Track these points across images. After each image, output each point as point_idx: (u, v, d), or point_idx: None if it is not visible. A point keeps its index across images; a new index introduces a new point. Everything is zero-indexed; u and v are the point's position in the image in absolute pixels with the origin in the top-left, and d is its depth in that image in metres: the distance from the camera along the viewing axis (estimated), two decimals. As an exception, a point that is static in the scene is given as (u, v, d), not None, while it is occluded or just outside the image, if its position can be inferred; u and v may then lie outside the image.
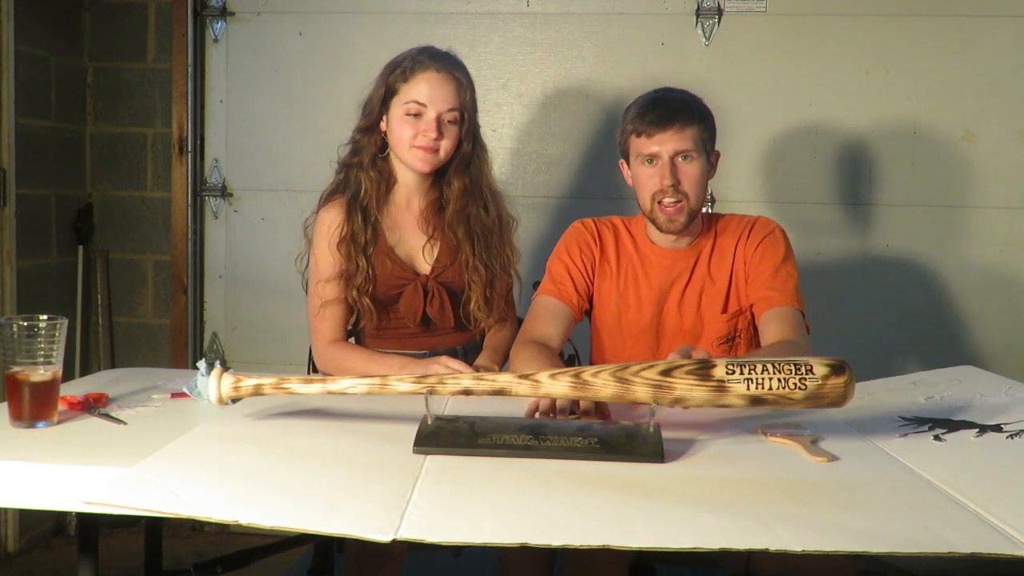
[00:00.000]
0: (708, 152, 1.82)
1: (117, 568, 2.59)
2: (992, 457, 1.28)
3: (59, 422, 1.37)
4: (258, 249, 2.99)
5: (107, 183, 3.03)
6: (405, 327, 1.95)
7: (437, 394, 1.35)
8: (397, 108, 1.87)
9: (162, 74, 2.96)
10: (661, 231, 1.83)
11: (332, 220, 1.90)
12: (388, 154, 1.93)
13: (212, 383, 1.38)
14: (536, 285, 1.96)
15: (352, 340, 2.01)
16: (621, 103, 2.71)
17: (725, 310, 1.84)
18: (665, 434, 1.30)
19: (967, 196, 2.78)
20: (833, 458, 1.26)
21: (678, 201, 1.77)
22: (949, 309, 2.80)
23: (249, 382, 1.38)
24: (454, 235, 1.91)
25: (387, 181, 1.93)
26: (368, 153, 1.92)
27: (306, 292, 1.98)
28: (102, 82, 3.00)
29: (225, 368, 1.41)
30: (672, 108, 1.78)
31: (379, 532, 0.98)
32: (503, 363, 1.93)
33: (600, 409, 1.44)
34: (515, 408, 1.46)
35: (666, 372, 1.28)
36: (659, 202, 1.79)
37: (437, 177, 1.94)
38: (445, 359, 1.75)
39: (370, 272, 1.88)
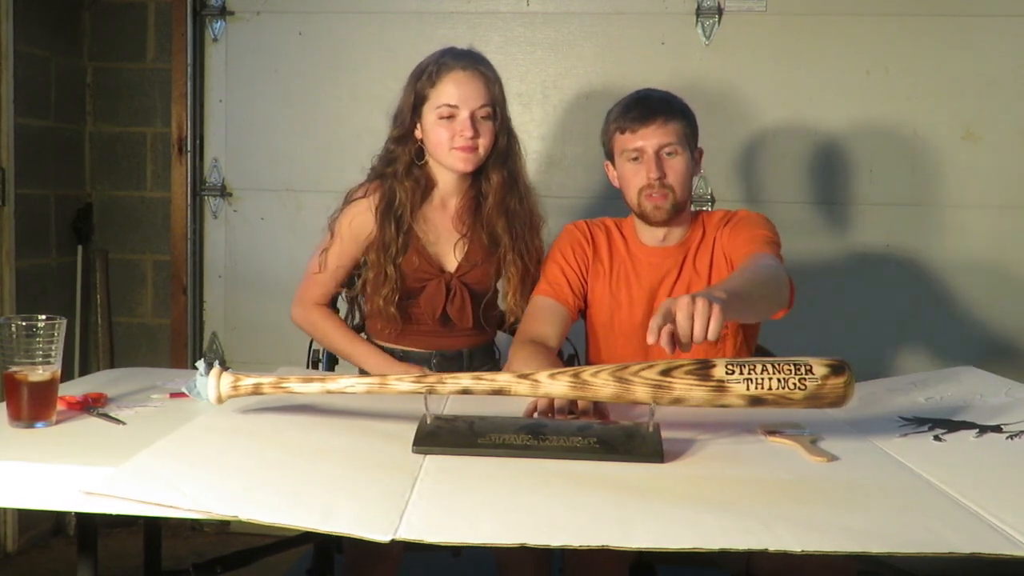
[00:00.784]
0: (692, 148, 1.85)
1: (116, 568, 2.59)
2: (992, 458, 1.28)
3: (58, 422, 1.36)
4: (258, 249, 2.99)
5: (107, 183, 3.03)
6: (423, 323, 1.95)
7: (436, 393, 1.35)
8: (430, 114, 1.87)
9: (162, 74, 2.96)
10: (649, 223, 1.85)
11: (361, 216, 1.92)
12: (426, 161, 1.93)
13: (211, 383, 1.38)
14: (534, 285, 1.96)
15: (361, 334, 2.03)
16: (621, 103, 2.73)
17: None
18: (665, 434, 1.30)
19: (967, 196, 2.78)
20: (833, 458, 1.26)
21: (664, 194, 1.80)
22: (949, 309, 2.79)
23: (248, 381, 1.38)
24: (493, 229, 1.92)
25: (424, 188, 1.93)
26: (403, 162, 1.92)
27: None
28: (102, 82, 3.00)
29: (224, 368, 1.41)
30: (654, 104, 1.82)
31: (378, 532, 0.98)
32: None
33: (598, 409, 1.44)
34: (514, 408, 1.45)
35: (666, 372, 1.28)
36: (646, 195, 1.81)
37: (475, 175, 1.94)
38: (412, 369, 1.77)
39: (397, 281, 1.89)
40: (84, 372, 2.90)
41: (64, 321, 1.36)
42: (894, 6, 2.74)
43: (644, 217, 1.85)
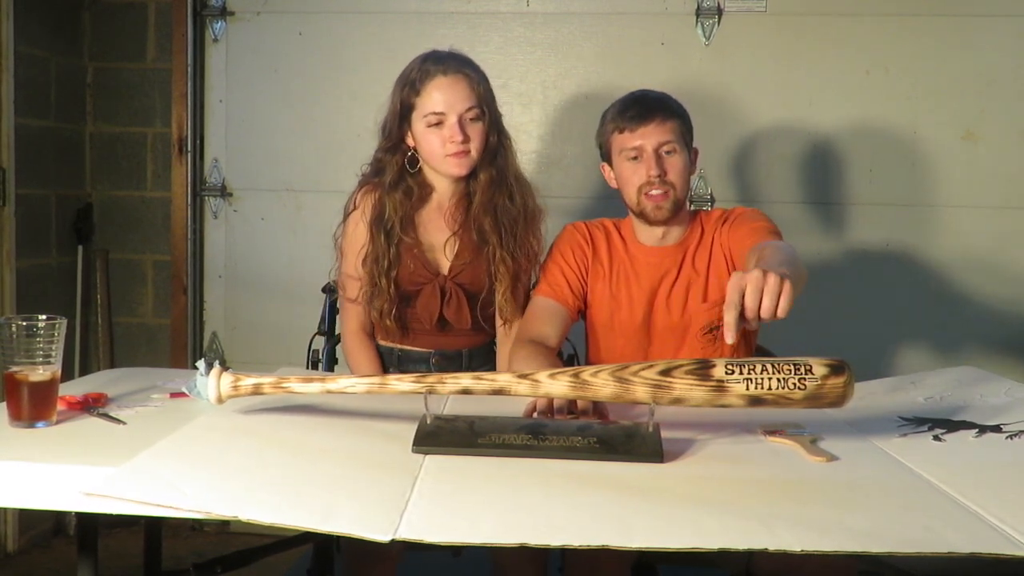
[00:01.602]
0: (688, 147, 1.86)
1: (116, 568, 2.59)
2: (992, 457, 1.28)
3: (58, 422, 1.36)
4: (258, 249, 2.99)
5: (107, 183, 3.03)
6: (422, 325, 1.95)
7: (436, 393, 1.35)
8: (418, 123, 1.87)
9: (162, 74, 2.96)
10: (649, 222, 1.85)
11: (356, 226, 1.93)
12: (420, 168, 1.93)
13: (211, 383, 1.38)
14: (535, 285, 1.96)
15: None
16: (621, 103, 2.72)
17: (706, 299, 1.86)
18: (664, 434, 1.30)
19: (967, 196, 2.78)
20: (833, 458, 1.26)
21: (664, 191, 1.81)
22: (949, 309, 2.79)
23: (248, 381, 1.38)
24: (481, 227, 1.91)
25: (418, 196, 1.93)
26: (391, 172, 1.92)
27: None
28: (102, 82, 3.00)
29: (225, 368, 1.41)
30: (651, 103, 1.84)
31: (378, 532, 0.98)
32: None
33: (598, 409, 1.44)
34: (514, 408, 1.45)
35: (665, 372, 1.28)
36: (646, 194, 1.81)
37: (468, 175, 1.93)
38: None
39: (391, 293, 1.89)
40: (84, 372, 2.90)
41: (64, 321, 1.36)
42: (894, 6, 2.74)
43: (644, 217, 1.85)
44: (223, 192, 2.99)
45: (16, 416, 1.33)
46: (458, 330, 1.96)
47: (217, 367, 1.40)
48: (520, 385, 1.33)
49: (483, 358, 2.02)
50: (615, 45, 2.83)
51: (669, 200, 1.81)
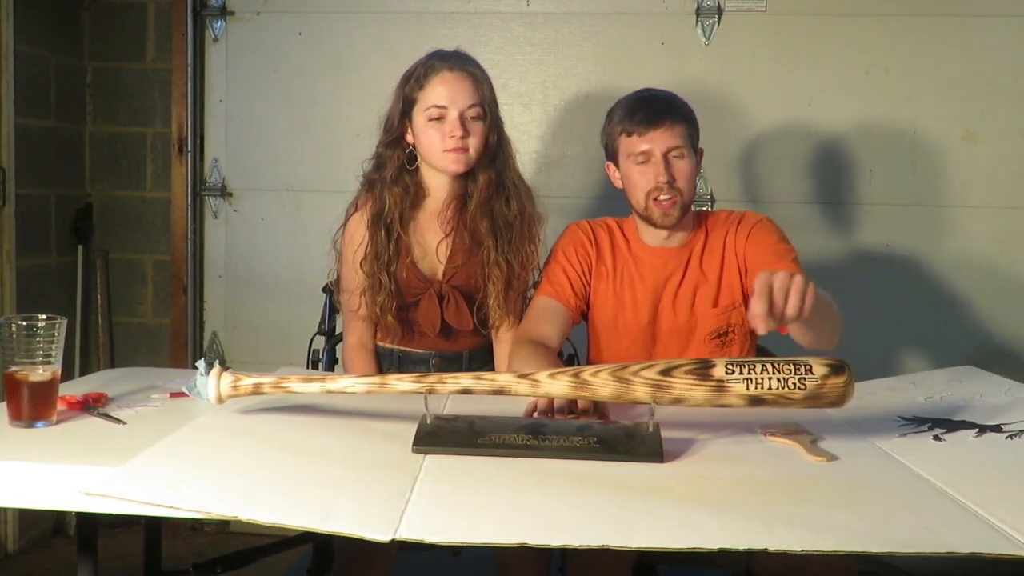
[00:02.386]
0: (695, 149, 1.85)
1: (116, 568, 2.59)
2: (992, 457, 1.28)
3: (58, 422, 1.36)
4: (258, 249, 2.99)
5: (107, 183, 3.03)
6: (423, 330, 1.95)
7: (436, 393, 1.35)
8: (419, 117, 1.86)
9: (162, 74, 2.96)
10: (656, 227, 1.84)
11: (356, 232, 1.92)
12: (417, 166, 1.93)
13: (211, 382, 1.38)
14: (535, 285, 1.96)
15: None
16: (621, 103, 2.73)
17: (716, 304, 1.85)
18: (664, 434, 1.30)
19: (967, 196, 2.78)
20: (833, 458, 1.26)
21: (671, 197, 1.79)
22: (949, 309, 2.79)
23: (248, 381, 1.38)
24: (476, 229, 1.90)
25: (415, 194, 1.92)
26: (391, 168, 1.91)
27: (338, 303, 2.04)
28: (102, 82, 3.00)
29: (225, 368, 1.41)
30: (660, 106, 1.81)
31: (378, 532, 0.98)
32: None
33: (598, 409, 1.44)
34: (514, 408, 1.46)
35: (665, 372, 1.28)
36: (655, 199, 1.80)
37: (464, 176, 1.92)
38: None
39: (392, 289, 1.89)
40: (84, 372, 2.90)
41: (64, 321, 1.36)
42: (894, 6, 2.74)
43: (651, 221, 1.84)
44: (223, 192, 2.99)
45: (16, 416, 1.33)
46: (459, 333, 1.96)
47: (217, 367, 1.40)
48: (520, 385, 1.33)
49: (483, 360, 2.01)
50: (615, 45, 2.83)
51: (677, 206, 1.80)
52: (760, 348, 2.02)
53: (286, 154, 2.95)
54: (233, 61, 2.94)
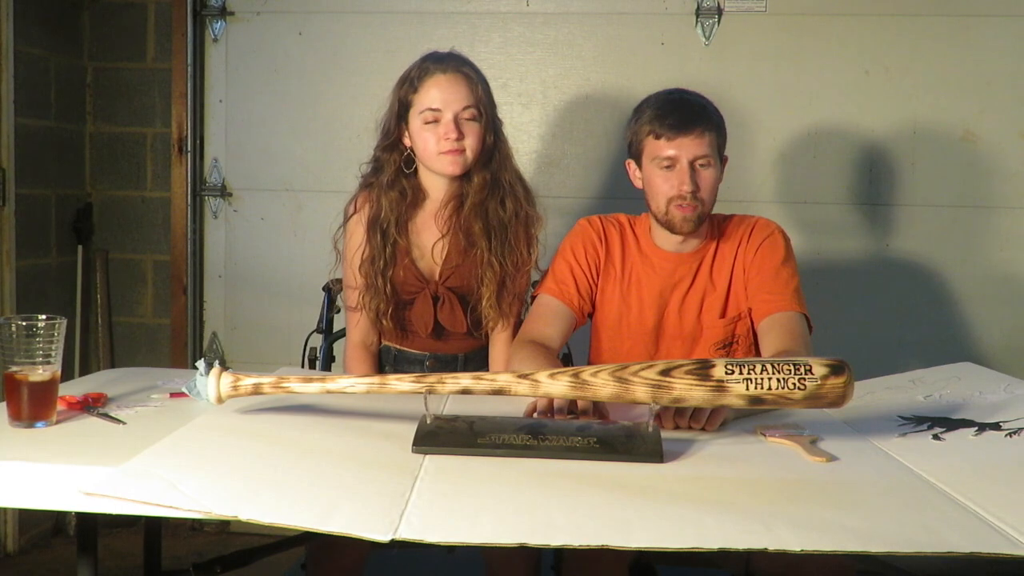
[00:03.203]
0: (721, 158, 1.81)
1: (117, 568, 2.59)
2: (991, 456, 1.28)
3: (58, 422, 1.36)
4: (258, 249, 2.99)
5: (107, 183, 3.03)
6: (418, 330, 1.95)
7: (436, 393, 1.35)
8: (415, 120, 1.87)
9: (162, 74, 2.96)
10: (674, 232, 1.81)
11: (355, 233, 1.93)
12: (415, 168, 1.93)
13: (211, 383, 1.38)
14: (535, 284, 1.95)
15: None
16: (621, 103, 2.73)
17: (723, 315, 1.84)
18: (664, 434, 1.30)
19: (967, 196, 2.78)
20: (832, 458, 1.26)
21: (694, 206, 1.76)
22: (949, 309, 2.79)
23: (248, 381, 1.38)
24: (470, 230, 1.90)
25: (413, 197, 1.92)
26: (388, 171, 1.92)
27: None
28: (102, 82, 3.00)
29: (225, 368, 1.41)
30: (693, 112, 1.76)
31: (378, 532, 0.98)
32: None
33: (598, 409, 1.44)
34: (514, 408, 1.46)
35: (665, 372, 1.28)
36: (676, 205, 1.76)
37: (463, 178, 1.93)
38: None
39: (387, 292, 1.89)
40: (84, 372, 2.90)
41: (64, 321, 1.36)
42: (894, 6, 2.74)
43: (669, 226, 1.80)
44: (223, 192, 2.99)
45: (16, 416, 1.33)
46: (454, 335, 1.96)
47: (217, 367, 1.40)
48: (520, 385, 1.33)
49: (479, 362, 2.01)
50: (615, 45, 2.83)
51: (696, 213, 1.77)
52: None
53: (286, 154, 2.95)
54: (233, 61, 2.95)
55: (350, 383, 1.36)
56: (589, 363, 1.95)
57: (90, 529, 1.47)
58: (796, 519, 1.02)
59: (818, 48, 2.77)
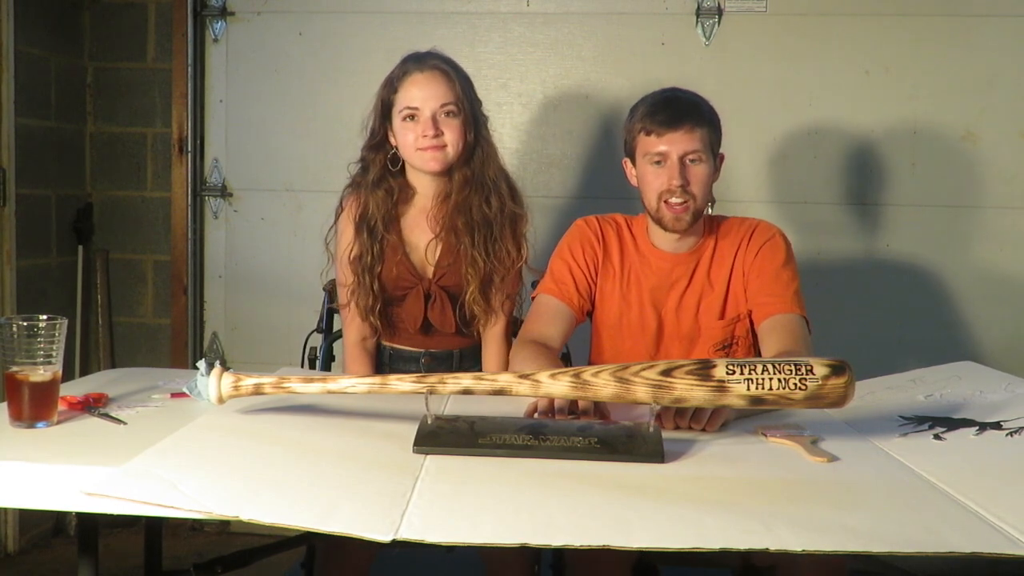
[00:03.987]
0: (715, 154, 1.81)
1: (117, 568, 2.59)
2: (992, 455, 1.28)
3: (59, 422, 1.36)
4: (258, 249, 2.99)
5: (107, 183, 3.03)
6: (408, 327, 1.96)
7: (437, 393, 1.35)
8: (396, 119, 1.90)
9: (162, 74, 2.96)
10: (666, 230, 1.82)
11: (344, 231, 1.95)
12: (402, 166, 1.95)
13: (212, 383, 1.38)
14: (535, 284, 1.96)
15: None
16: (621, 103, 2.72)
17: (723, 316, 1.84)
18: (665, 434, 1.30)
19: (967, 196, 2.78)
20: (833, 458, 1.26)
21: (684, 201, 1.76)
22: (950, 309, 2.79)
23: (249, 381, 1.38)
24: (455, 227, 1.91)
25: (400, 195, 1.94)
26: (375, 170, 1.93)
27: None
28: (102, 82, 3.00)
29: (225, 368, 1.41)
30: (683, 108, 1.78)
31: (379, 532, 0.98)
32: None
33: (599, 409, 1.44)
34: (515, 408, 1.46)
35: (666, 372, 1.28)
36: (665, 201, 1.78)
37: (448, 175, 1.94)
38: None
39: (376, 290, 1.90)
40: (85, 372, 2.90)
41: (65, 321, 1.36)
42: (894, 6, 2.74)
43: (661, 224, 1.81)
44: (223, 192, 2.99)
45: (16, 416, 1.33)
46: (444, 333, 1.97)
47: (218, 367, 1.40)
48: (521, 385, 1.33)
49: (473, 358, 2.02)
50: (615, 45, 2.83)
51: (689, 212, 1.77)
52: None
53: (286, 154, 2.95)
54: (233, 61, 2.95)
55: (351, 383, 1.36)
56: (590, 363, 1.95)
57: (90, 529, 1.47)
58: (796, 519, 1.02)
59: (818, 48, 2.77)
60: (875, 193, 2.79)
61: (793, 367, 1.26)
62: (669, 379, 1.28)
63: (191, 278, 3.00)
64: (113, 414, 1.42)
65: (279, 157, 2.95)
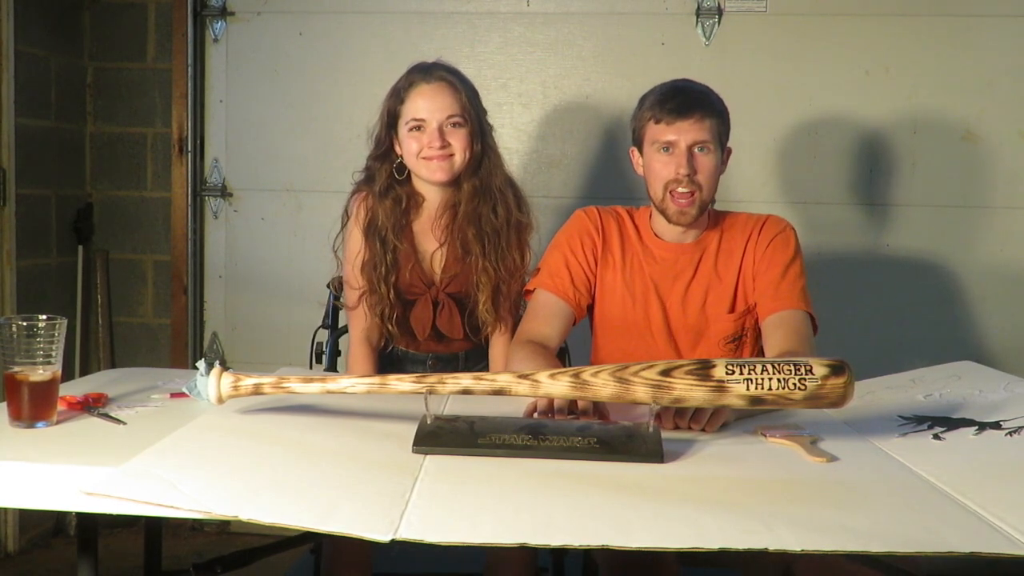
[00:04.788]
0: (722, 147, 1.81)
1: (117, 568, 2.59)
2: (991, 455, 1.28)
3: (58, 422, 1.36)
4: (258, 249, 2.99)
5: (107, 183, 3.03)
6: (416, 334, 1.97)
7: (437, 393, 1.35)
8: (402, 130, 1.91)
9: (162, 74, 2.96)
10: (671, 222, 1.81)
11: (353, 239, 1.95)
12: (408, 175, 1.96)
13: (212, 383, 1.38)
14: (529, 276, 1.95)
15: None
16: (621, 103, 2.73)
17: (733, 309, 1.83)
18: (665, 434, 1.30)
19: (967, 196, 2.78)
20: (833, 458, 1.26)
21: (691, 192, 1.75)
22: (950, 308, 2.79)
23: (249, 381, 1.38)
24: (464, 237, 1.92)
25: (407, 205, 1.95)
26: (381, 180, 1.94)
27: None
28: (102, 82, 3.00)
29: (225, 368, 1.41)
30: (693, 98, 1.77)
31: (378, 532, 0.98)
32: None
33: (598, 409, 1.44)
34: (515, 408, 1.46)
35: (666, 372, 1.28)
36: (671, 192, 1.76)
37: (455, 185, 1.95)
38: None
39: (391, 298, 1.91)
40: (84, 372, 2.90)
41: (65, 321, 1.36)
42: (894, 6, 2.74)
43: (666, 216, 1.81)
44: (223, 192, 2.99)
45: (16, 416, 1.33)
46: (452, 339, 1.98)
47: (217, 367, 1.40)
48: (520, 385, 1.33)
49: (478, 359, 2.04)
50: (615, 45, 2.83)
51: (695, 204, 1.77)
52: (762, 348, 2.00)
53: (286, 154, 2.95)
54: (233, 61, 2.95)
55: (350, 383, 1.36)
56: (592, 358, 1.95)
57: (90, 529, 1.47)
58: (796, 519, 1.02)
59: (818, 48, 2.77)
60: (875, 193, 2.79)
61: (792, 367, 1.26)
62: (668, 379, 1.28)
63: (191, 278, 3.00)
64: (113, 414, 1.42)
65: (279, 157, 2.95)
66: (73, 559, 1.54)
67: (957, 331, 2.78)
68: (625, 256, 1.87)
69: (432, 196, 1.96)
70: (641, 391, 1.29)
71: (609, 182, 2.81)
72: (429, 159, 1.87)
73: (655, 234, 1.87)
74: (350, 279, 1.97)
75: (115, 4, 2.97)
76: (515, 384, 1.33)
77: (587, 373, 1.31)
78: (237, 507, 1.03)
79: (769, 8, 2.77)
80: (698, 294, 1.84)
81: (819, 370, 1.26)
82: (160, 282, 3.04)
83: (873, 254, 2.81)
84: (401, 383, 1.35)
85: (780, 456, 1.29)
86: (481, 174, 1.93)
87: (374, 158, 1.97)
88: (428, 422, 1.32)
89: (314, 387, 1.38)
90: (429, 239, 1.96)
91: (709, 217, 1.86)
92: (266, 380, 1.38)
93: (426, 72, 1.90)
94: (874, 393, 1.65)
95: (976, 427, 1.40)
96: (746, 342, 1.85)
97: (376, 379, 1.37)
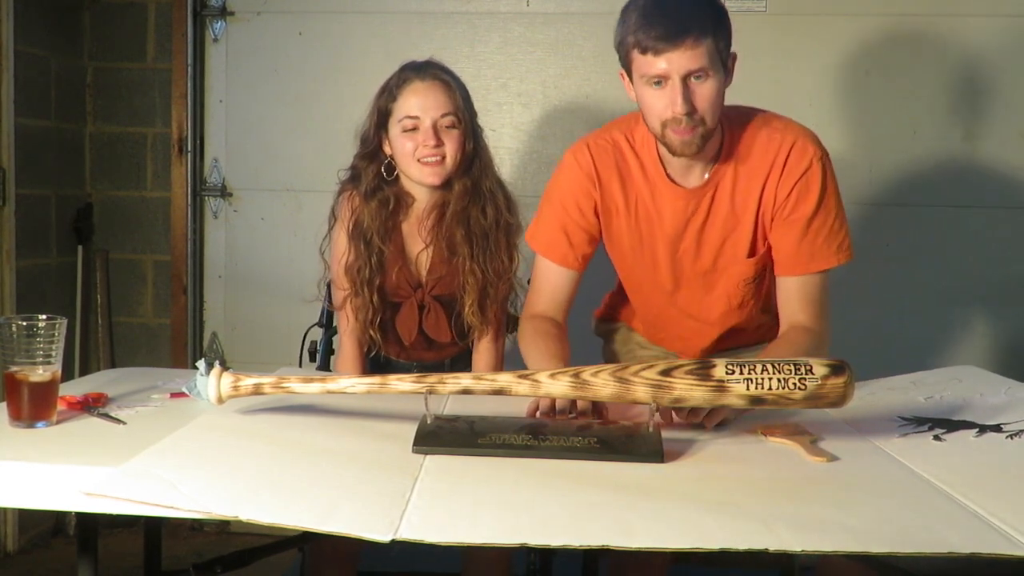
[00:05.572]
0: (724, 65, 1.57)
1: (116, 568, 2.59)
2: (992, 457, 1.28)
3: (58, 422, 1.36)
4: (258, 249, 2.99)
5: (107, 183, 3.03)
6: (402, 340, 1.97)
7: (437, 393, 1.35)
8: (394, 128, 1.88)
9: (162, 74, 2.96)
10: (675, 155, 1.60)
11: (339, 242, 1.94)
12: (397, 176, 1.94)
13: (211, 383, 1.38)
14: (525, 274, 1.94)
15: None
16: (621, 103, 2.72)
17: (753, 253, 1.69)
18: (665, 434, 1.30)
19: (968, 196, 2.78)
20: (833, 458, 1.26)
21: (693, 126, 1.54)
22: (950, 309, 2.79)
23: (248, 381, 1.38)
24: (452, 238, 1.91)
25: (396, 204, 1.93)
26: (367, 180, 1.92)
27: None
28: (102, 82, 3.00)
29: (225, 368, 1.41)
30: (681, 19, 1.49)
31: (378, 532, 0.98)
32: None
33: (598, 409, 1.44)
34: (515, 408, 1.46)
35: (666, 372, 1.28)
36: (670, 128, 1.55)
37: (443, 185, 1.93)
38: None
39: (375, 302, 1.90)
40: (84, 372, 2.90)
41: (64, 321, 1.36)
42: (894, 6, 2.74)
43: (669, 148, 1.60)
44: (223, 192, 2.99)
45: (16, 416, 1.33)
46: (439, 344, 1.97)
47: (217, 367, 1.40)
48: (520, 385, 1.33)
49: (464, 364, 2.02)
50: (615, 45, 2.83)
51: (698, 136, 1.55)
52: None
53: (286, 154, 2.95)
54: (233, 61, 2.95)
55: (350, 383, 1.36)
56: (617, 288, 1.92)
57: (90, 529, 1.47)
58: (796, 519, 1.02)
59: (818, 48, 2.77)
60: (875, 193, 2.79)
61: (792, 367, 1.26)
62: (668, 379, 1.28)
63: (191, 278, 3.00)
64: (112, 414, 1.42)
65: (279, 157, 2.95)
66: (73, 559, 1.54)
67: (957, 333, 2.78)
68: (628, 201, 1.70)
69: (422, 196, 1.94)
70: (641, 391, 1.29)
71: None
72: (424, 164, 1.86)
73: (662, 165, 1.66)
74: (337, 280, 1.97)
75: (115, 4, 2.97)
76: (515, 384, 1.33)
77: (587, 373, 1.31)
78: (237, 507, 1.03)
79: (769, 8, 2.77)
80: (714, 239, 1.68)
81: (819, 370, 1.26)
82: (160, 282, 3.04)
83: (873, 255, 2.81)
84: (401, 383, 1.35)
85: (780, 456, 1.29)
86: (472, 174, 1.92)
87: (361, 157, 1.95)
88: (428, 422, 1.32)
89: (314, 387, 1.38)
90: (417, 240, 1.95)
91: (723, 130, 1.65)
92: (266, 380, 1.38)
93: (419, 70, 1.88)
94: (875, 394, 1.66)
95: (977, 429, 1.40)
96: (765, 278, 1.75)
97: (376, 379, 1.37)
